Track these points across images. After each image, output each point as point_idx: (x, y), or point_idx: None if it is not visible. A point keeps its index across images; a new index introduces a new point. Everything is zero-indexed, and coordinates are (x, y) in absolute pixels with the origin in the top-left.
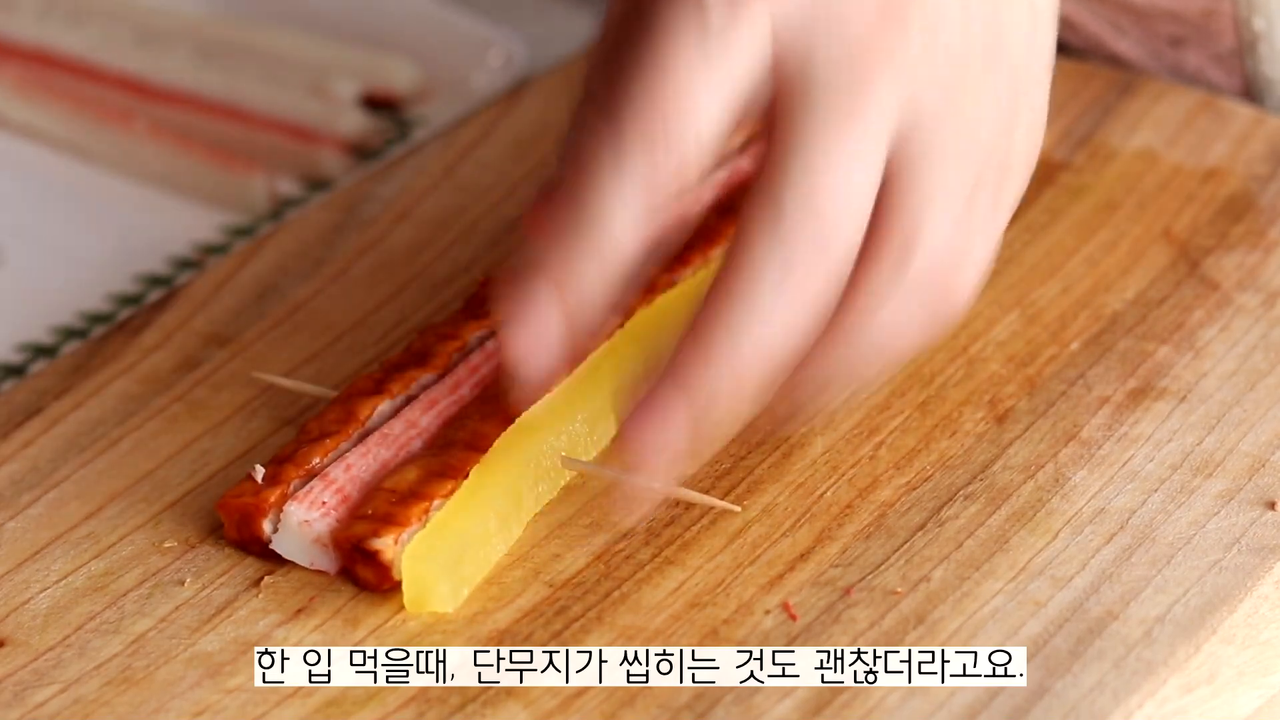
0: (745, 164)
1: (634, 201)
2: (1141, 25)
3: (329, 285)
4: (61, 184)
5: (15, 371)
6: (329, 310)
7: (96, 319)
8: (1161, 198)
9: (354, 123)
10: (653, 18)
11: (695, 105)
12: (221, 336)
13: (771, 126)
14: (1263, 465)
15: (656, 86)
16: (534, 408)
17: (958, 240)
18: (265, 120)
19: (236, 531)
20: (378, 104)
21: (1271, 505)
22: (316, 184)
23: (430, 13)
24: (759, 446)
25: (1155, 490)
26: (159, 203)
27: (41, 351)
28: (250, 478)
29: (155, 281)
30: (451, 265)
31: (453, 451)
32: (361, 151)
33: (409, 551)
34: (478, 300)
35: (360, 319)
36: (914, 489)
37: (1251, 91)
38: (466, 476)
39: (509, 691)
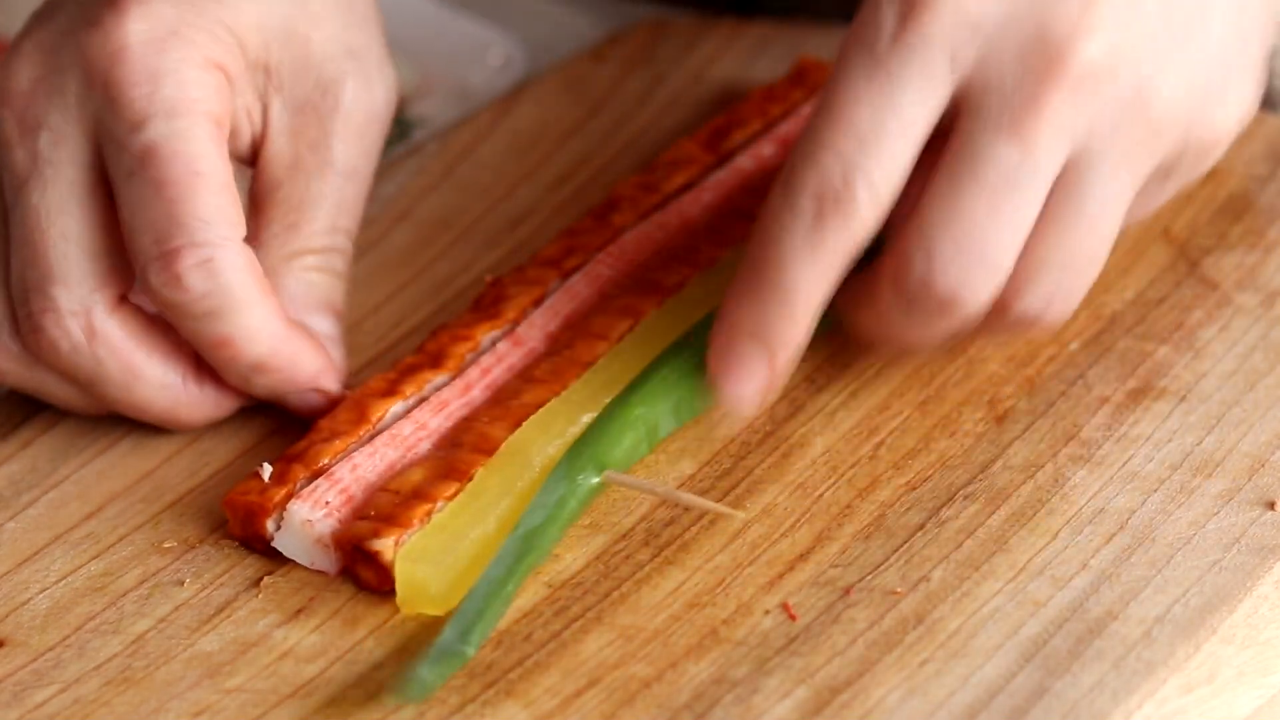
0: (747, 164)
1: (818, 266)
2: None
3: None
4: None
5: None
6: None
7: None
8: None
9: None
10: (835, 69)
11: (873, 158)
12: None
13: (949, 144)
14: (1262, 465)
15: (833, 145)
16: (541, 411)
17: (1115, 226)
18: None
19: (240, 528)
20: None
21: (1271, 505)
22: None
23: (430, 13)
24: (759, 446)
25: (1155, 490)
26: None
27: None
28: (257, 475)
29: None
30: (451, 265)
31: (459, 454)
32: None
33: (402, 552)
34: (488, 300)
35: (360, 319)
36: (914, 489)
37: (1264, 102)
38: (471, 479)
39: (509, 691)
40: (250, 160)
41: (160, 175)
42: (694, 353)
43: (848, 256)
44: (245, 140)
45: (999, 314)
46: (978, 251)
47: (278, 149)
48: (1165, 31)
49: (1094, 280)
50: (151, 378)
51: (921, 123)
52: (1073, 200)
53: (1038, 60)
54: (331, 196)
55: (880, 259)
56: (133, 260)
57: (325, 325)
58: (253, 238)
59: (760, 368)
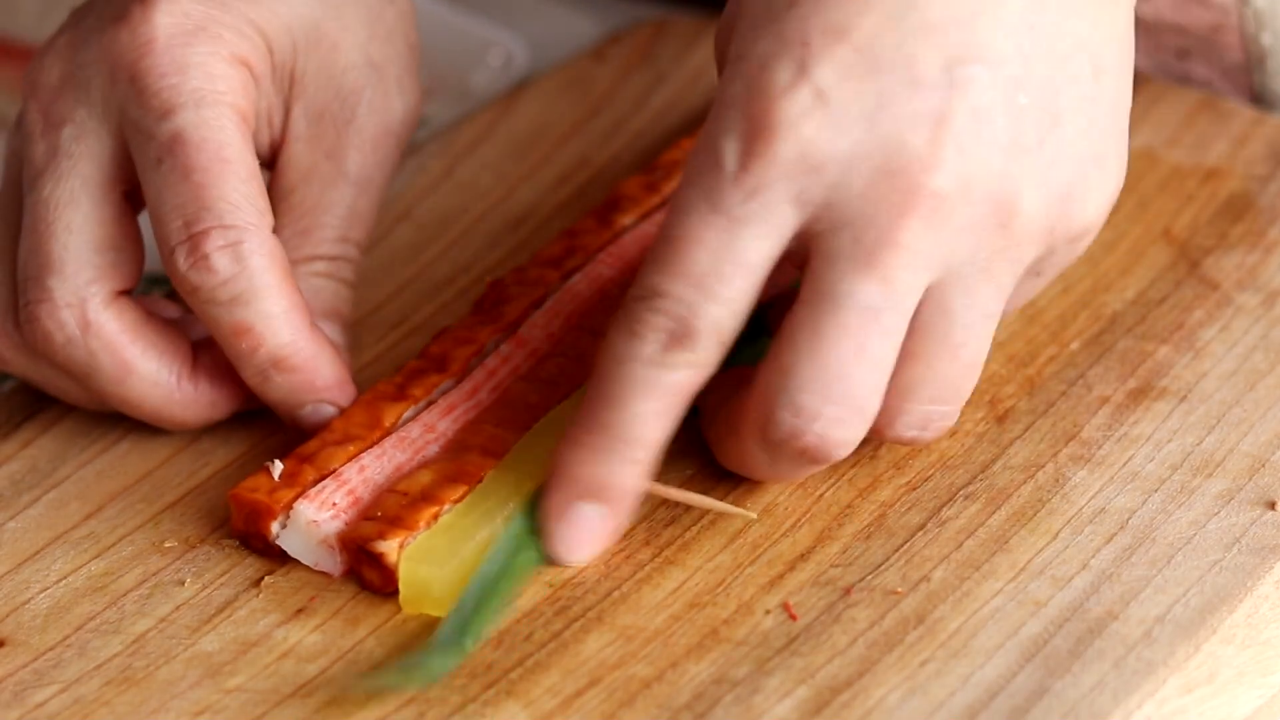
0: None
1: (660, 404)
2: (1149, 38)
3: None
4: None
5: None
6: None
7: None
8: (1161, 198)
9: None
10: (675, 199)
11: (713, 300)
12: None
13: (802, 287)
14: (1263, 465)
15: (672, 289)
16: (550, 413)
17: (986, 339)
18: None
19: (242, 524)
20: None
21: (1271, 505)
22: None
23: (430, 13)
24: None
25: (1155, 490)
26: None
27: None
28: (267, 471)
29: (155, 281)
30: (451, 265)
31: (468, 456)
32: None
33: (407, 552)
34: (488, 302)
35: (360, 319)
36: (914, 489)
37: (1260, 105)
38: (480, 481)
39: (509, 691)
40: (267, 163)
41: (189, 161)
42: None
43: (690, 395)
44: (264, 142)
45: (875, 436)
46: (845, 398)
47: (295, 154)
48: (1016, 145)
49: (969, 394)
50: (144, 373)
51: (762, 263)
52: (938, 327)
53: (888, 195)
54: (344, 205)
55: (741, 399)
56: (160, 249)
57: (332, 333)
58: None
59: (599, 524)
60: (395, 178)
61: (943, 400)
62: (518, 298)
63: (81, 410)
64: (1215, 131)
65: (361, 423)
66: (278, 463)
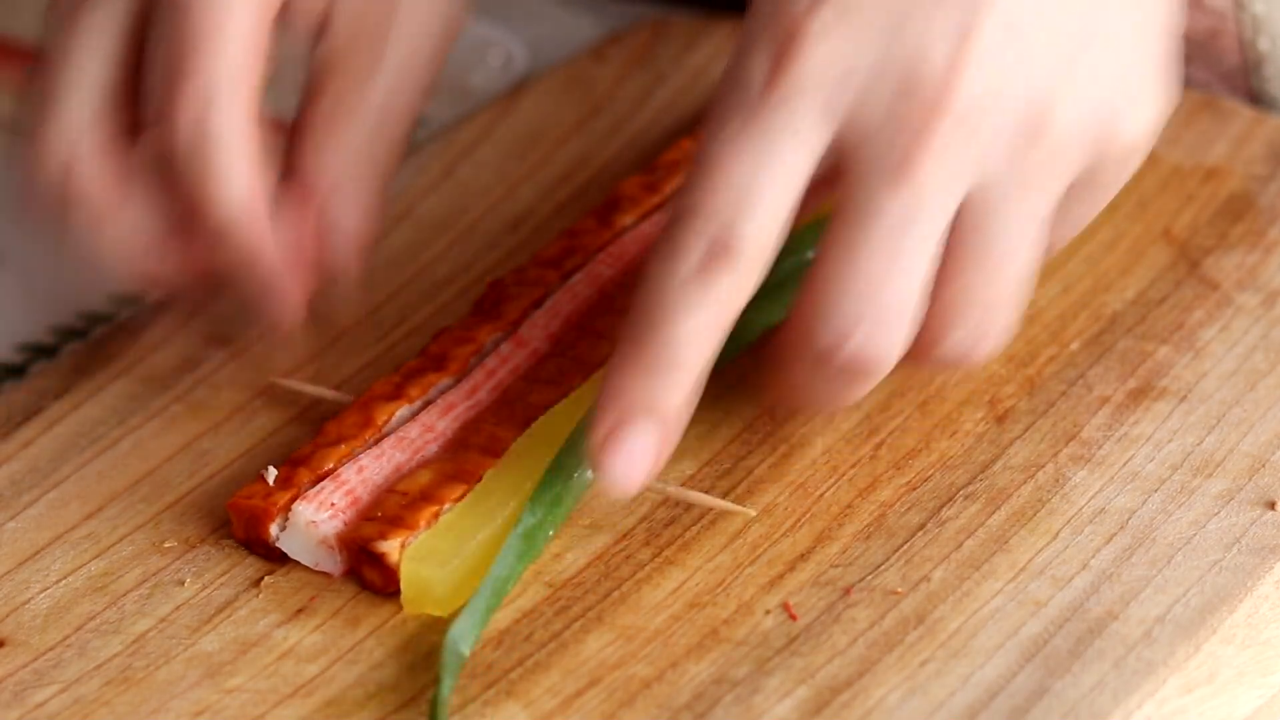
0: None
1: (704, 319)
2: None
3: (330, 285)
4: None
5: (15, 371)
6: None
7: (96, 319)
8: (1161, 198)
9: None
10: (708, 124)
11: (752, 210)
12: (222, 336)
13: (837, 200)
14: (1263, 465)
15: (712, 201)
16: (549, 412)
17: (1029, 255)
18: (265, 120)
19: (243, 532)
20: None
21: (1271, 505)
22: None
23: None
24: (759, 446)
25: (1155, 490)
26: None
27: (41, 351)
28: (261, 479)
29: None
30: (451, 265)
31: (467, 456)
32: None
33: (408, 552)
34: (488, 302)
35: (360, 319)
36: (914, 489)
37: (1263, 104)
38: (479, 481)
39: (509, 691)
40: (313, 39)
41: (186, 21)
42: None
43: (733, 312)
44: (311, 18)
45: (920, 357)
46: (881, 311)
47: (338, 31)
48: (1048, 59)
49: (1018, 311)
50: (121, 220)
51: (799, 172)
52: (977, 239)
53: (913, 106)
54: (384, 84)
55: (784, 328)
56: (142, 101)
57: (363, 193)
58: (302, 113)
59: (650, 444)
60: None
61: (989, 318)
62: (518, 298)
63: (81, 411)
64: (1215, 131)
65: (355, 423)
66: (271, 469)
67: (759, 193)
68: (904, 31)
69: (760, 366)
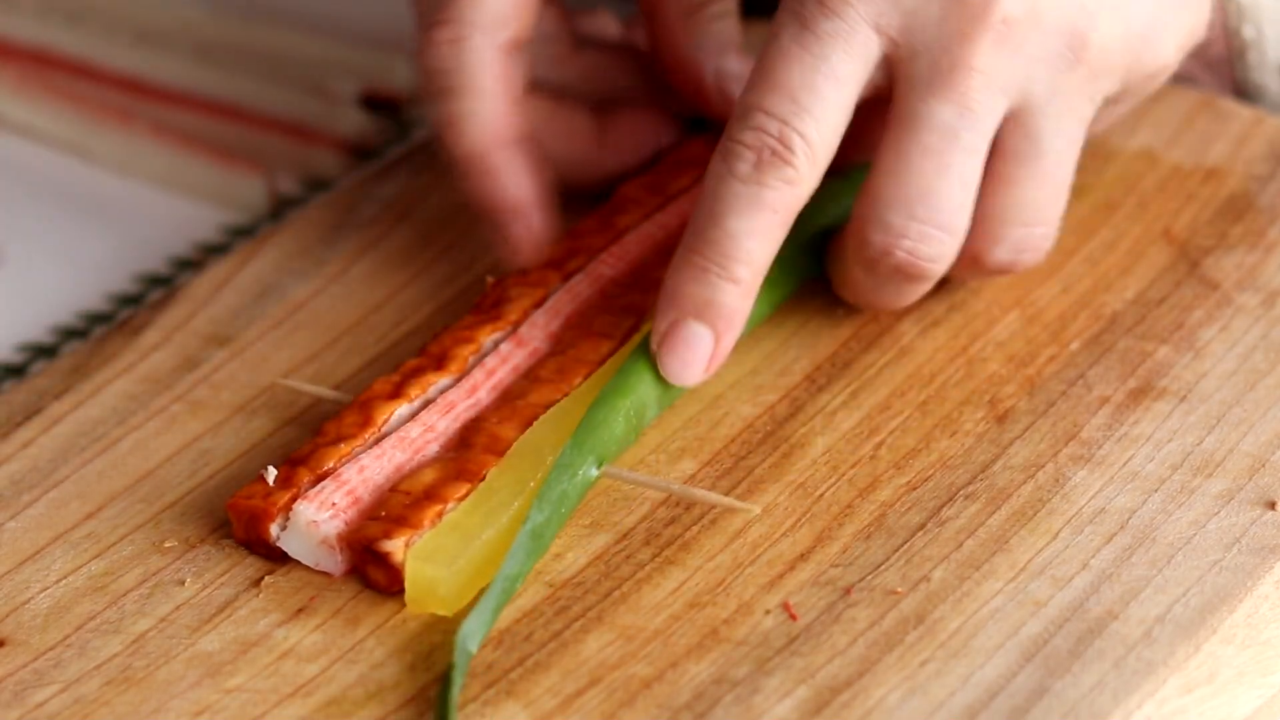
0: None
1: (760, 222)
2: None
3: (329, 285)
4: (61, 184)
5: (15, 371)
6: (329, 310)
7: (96, 319)
8: (1161, 198)
9: (354, 123)
10: (768, 41)
11: (806, 115)
12: (221, 336)
13: (889, 112)
14: (1263, 465)
15: (767, 105)
16: (551, 410)
17: (1070, 167)
18: (265, 120)
19: (244, 532)
20: (378, 104)
21: (1271, 505)
22: (316, 184)
23: None
24: (760, 446)
25: (1155, 490)
26: (159, 203)
27: (41, 351)
28: (261, 479)
29: (155, 281)
30: (451, 265)
31: (470, 455)
32: (361, 151)
33: (413, 551)
34: (489, 302)
35: (360, 319)
36: (914, 489)
37: (1241, 98)
38: (483, 479)
39: (509, 691)
40: None
41: None
42: None
43: (788, 213)
44: None
45: (971, 265)
46: (930, 215)
47: None
48: None
49: (1059, 220)
50: (477, 108)
51: (852, 81)
52: (1022, 151)
53: (960, 21)
54: None
55: (843, 228)
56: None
57: (735, 64)
58: (653, 6)
59: (705, 343)
60: (392, 175)
61: (1034, 223)
62: (518, 298)
63: (81, 411)
64: (1215, 131)
65: (354, 422)
66: (271, 469)
67: (812, 96)
68: None
69: (824, 262)
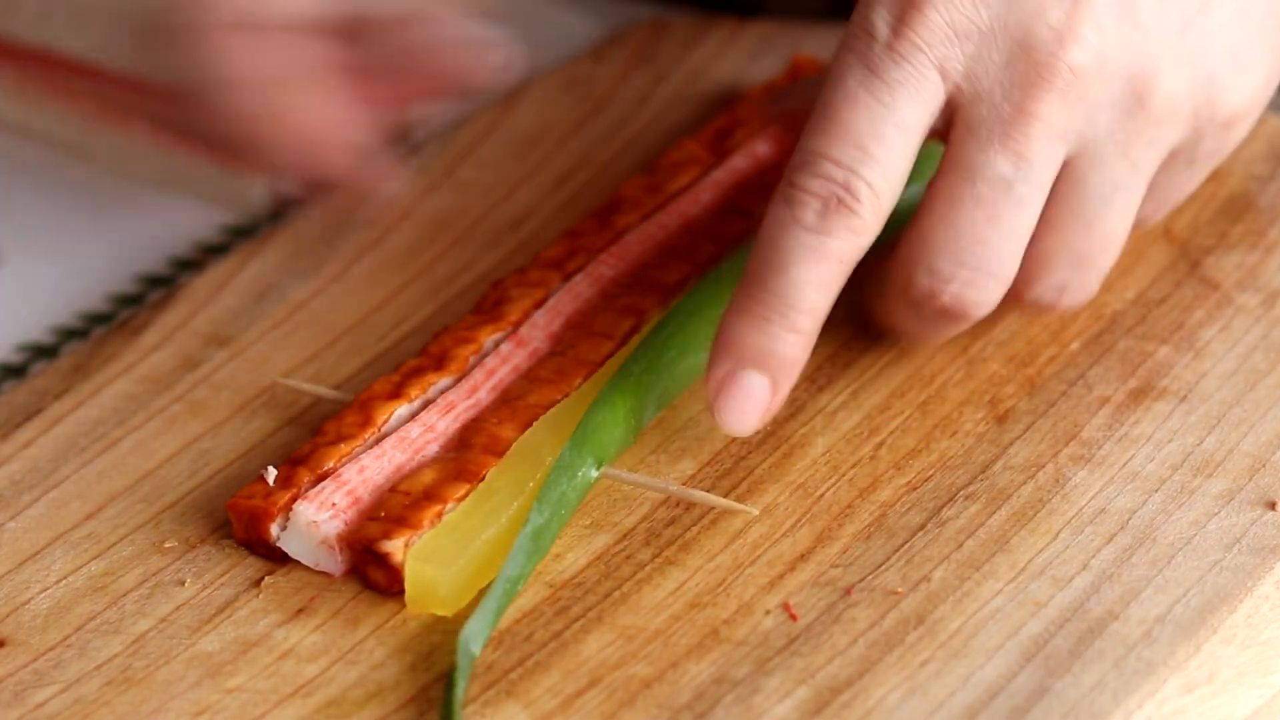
0: (743, 162)
1: (822, 271)
2: None
3: (329, 285)
4: (61, 184)
5: (15, 372)
6: (329, 310)
7: (96, 319)
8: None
9: None
10: (830, 72)
11: (872, 162)
12: (221, 336)
13: (944, 155)
14: (1263, 465)
15: (833, 151)
16: (551, 411)
17: (1123, 217)
18: None
19: (244, 533)
20: None
21: (1271, 505)
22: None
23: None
24: (760, 446)
25: (1155, 490)
26: (159, 203)
27: (41, 351)
28: (261, 479)
29: (155, 281)
30: (451, 265)
31: (469, 455)
32: None
33: (413, 551)
34: (489, 302)
35: (360, 319)
36: (914, 489)
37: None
38: (482, 480)
39: (509, 691)
40: None
41: None
42: (671, 342)
43: (851, 262)
44: None
45: (1012, 302)
46: (979, 263)
47: None
48: (1157, 27)
49: (1108, 268)
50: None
51: (917, 127)
52: (1073, 198)
53: (1025, 68)
54: None
55: (888, 262)
56: None
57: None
58: None
59: (763, 392)
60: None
61: (1078, 269)
62: (519, 298)
63: (81, 411)
64: None
65: (354, 422)
66: (271, 469)
67: (879, 144)
68: None
69: (862, 288)
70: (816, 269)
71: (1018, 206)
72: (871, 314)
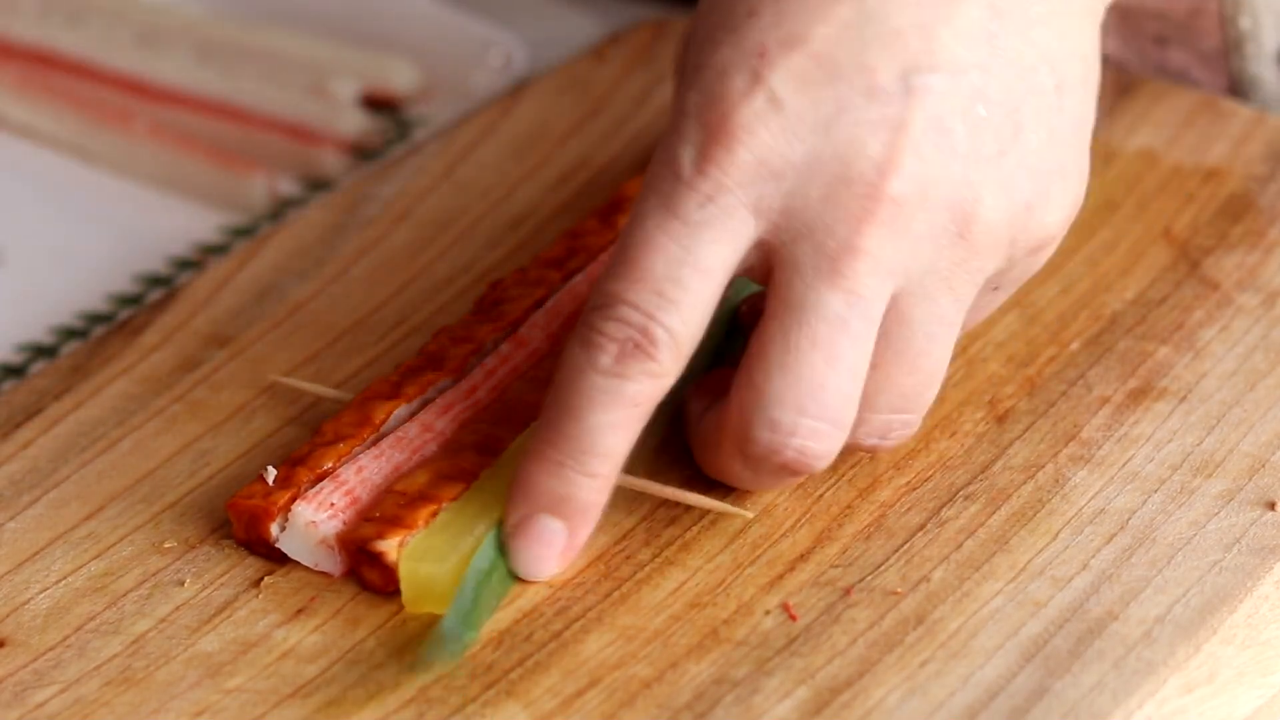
0: None
1: (619, 416)
2: (1127, 23)
3: (329, 285)
4: (61, 184)
5: (15, 372)
6: (329, 310)
7: (96, 319)
8: (1161, 198)
9: (354, 123)
10: (635, 204)
11: (670, 308)
12: (221, 336)
13: (769, 298)
14: (1263, 465)
15: (629, 297)
16: None
17: (946, 349)
18: (265, 120)
19: (244, 532)
20: (378, 104)
21: (1271, 505)
22: (316, 184)
23: (430, 13)
24: None
25: (1155, 490)
26: (159, 203)
27: (41, 351)
28: (261, 479)
29: (155, 281)
30: (451, 265)
31: (466, 455)
32: (361, 151)
33: (406, 551)
34: (488, 302)
35: (360, 319)
36: (914, 489)
37: (1237, 90)
38: (477, 479)
39: (509, 691)
40: None
41: None
42: None
43: (650, 406)
44: None
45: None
46: (821, 411)
47: None
48: (975, 154)
49: (929, 402)
50: None
51: (721, 269)
52: (900, 337)
53: (847, 202)
54: None
55: (718, 412)
56: None
57: None
58: None
59: (559, 538)
60: (392, 175)
61: (903, 410)
62: (518, 298)
63: (81, 411)
64: (1215, 131)
65: (352, 422)
66: (271, 469)
67: (678, 289)
68: (837, 124)
69: (695, 433)
70: (612, 413)
71: (854, 344)
72: (703, 464)
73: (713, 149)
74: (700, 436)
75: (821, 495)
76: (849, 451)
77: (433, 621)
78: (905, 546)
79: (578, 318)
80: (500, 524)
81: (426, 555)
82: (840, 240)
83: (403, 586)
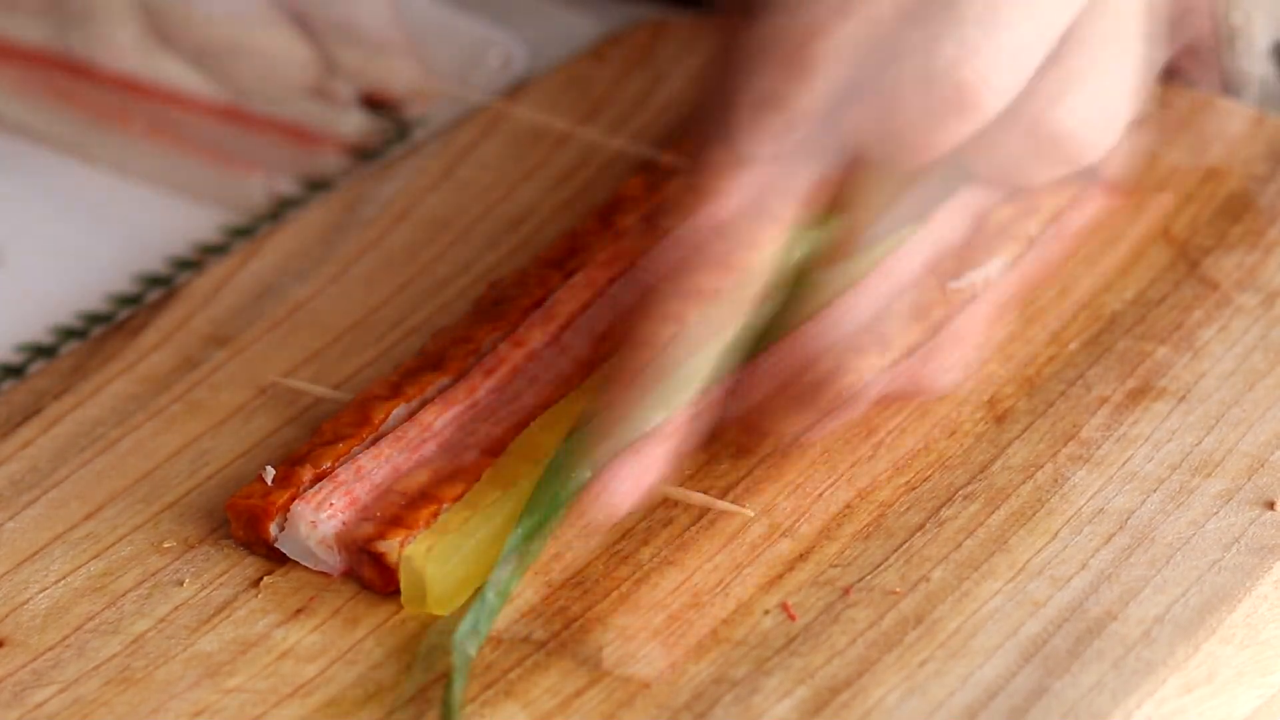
0: None
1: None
2: None
3: (329, 285)
4: (61, 184)
5: (15, 371)
6: (329, 310)
7: (96, 319)
8: (1161, 198)
9: (353, 123)
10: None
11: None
12: (221, 336)
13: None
14: (1262, 465)
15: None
16: (547, 412)
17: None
18: (265, 120)
19: (243, 532)
20: (377, 104)
21: (1271, 505)
22: (316, 184)
23: (430, 13)
24: (759, 446)
25: (1154, 490)
26: (159, 203)
27: (41, 351)
28: (260, 479)
29: (155, 281)
30: (451, 265)
31: (465, 455)
32: (361, 152)
33: (407, 552)
34: (488, 302)
35: (360, 319)
36: (913, 489)
37: (1229, 86)
38: (478, 480)
39: (508, 691)
40: None
41: None
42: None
43: (736, 325)
44: None
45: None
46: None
47: None
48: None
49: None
50: None
51: (806, 186)
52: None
53: (932, 103)
54: None
55: (760, 358)
56: None
57: None
58: None
59: (647, 468)
60: (392, 175)
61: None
62: (518, 298)
63: (81, 411)
64: (1214, 131)
65: (351, 422)
66: (270, 469)
67: (765, 212)
68: (909, 36)
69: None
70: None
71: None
72: (759, 423)
73: (795, 75)
74: (740, 391)
75: (821, 495)
76: (880, 444)
77: (432, 622)
78: (904, 546)
79: (578, 317)
80: (520, 528)
81: (427, 556)
82: (919, 145)
83: (402, 586)
